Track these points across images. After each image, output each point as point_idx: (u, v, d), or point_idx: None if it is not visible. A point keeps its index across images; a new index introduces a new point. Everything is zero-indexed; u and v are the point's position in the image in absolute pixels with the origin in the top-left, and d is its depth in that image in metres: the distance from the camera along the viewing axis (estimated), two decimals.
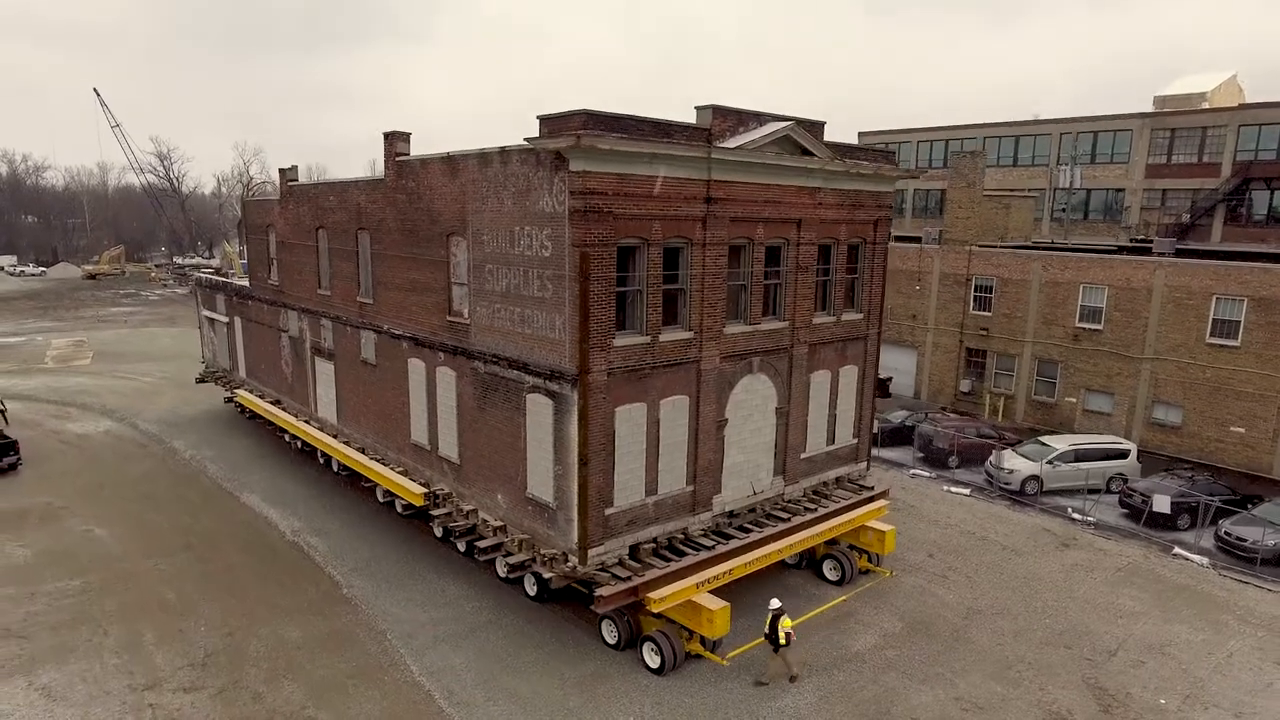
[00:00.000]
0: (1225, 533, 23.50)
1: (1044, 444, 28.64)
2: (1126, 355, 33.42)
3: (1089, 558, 23.67)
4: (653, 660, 17.65)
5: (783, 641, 16.87)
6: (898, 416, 33.74)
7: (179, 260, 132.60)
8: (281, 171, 28.64)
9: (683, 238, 17.95)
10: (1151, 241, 47.52)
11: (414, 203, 21.24)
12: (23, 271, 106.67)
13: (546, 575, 18.05)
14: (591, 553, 17.43)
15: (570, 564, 17.62)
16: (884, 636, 19.52)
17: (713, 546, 19.21)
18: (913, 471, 30.39)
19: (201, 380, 38.77)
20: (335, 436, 27.13)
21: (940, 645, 19.21)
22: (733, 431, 20.10)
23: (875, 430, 26.77)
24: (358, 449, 25.83)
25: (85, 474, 30.48)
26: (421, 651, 18.59)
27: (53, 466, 31.28)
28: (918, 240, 52.94)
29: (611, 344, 16.97)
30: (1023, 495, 27.49)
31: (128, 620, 19.92)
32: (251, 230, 31.64)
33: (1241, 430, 30.42)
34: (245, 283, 33.80)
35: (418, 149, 21.88)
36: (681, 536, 19.35)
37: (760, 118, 18.92)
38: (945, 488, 28.90)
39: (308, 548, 24.16)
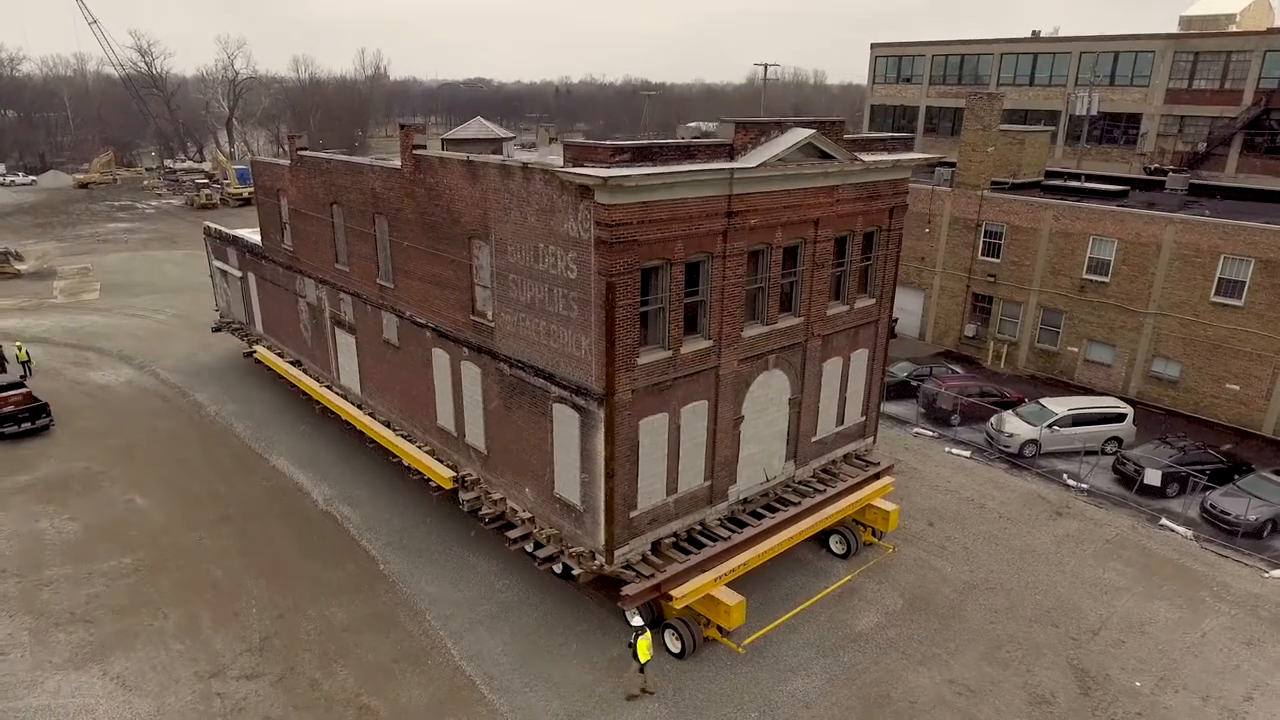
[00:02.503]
0: (1210, 505, 24.81)
1: (1043, 407, 29.60)
2: (1130, 309, 33.92)
3: (1080, 528, 25.08)
4: (674, 645, 19.22)
5: (645, 658, 17.52)
6: (902, 370, 34.56)
7: (169, 164, 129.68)
8: (291, 138, 28.23)
9: (704, 252, 18.22)
10: (1166, 174, 47.06)
11: (433, 199, 21.26)
12: (13, 181, 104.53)
13: (575, 571, 19.35)
14: (617, 553, 18.66)
15: (597, 562, 18.88)
16: (885, 615, 21.08)
17: (729, 536, 20.45)
18: (916, 430, 31.52)
19: (217, 329, 39.29)
20: (360, 407, 27.99)
21: (937, 623, 20.79)
22: (748, 426, 20.97)
23: (883, 384, 27.31)
24: (383, 421, 26.75)
25: (115, 433, 31.54)
26: (460, 634, 20.14)
27: (82, 424, 32.31)
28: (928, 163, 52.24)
29: (636, 363, 17.57)
30: (1021, 458, 28.70)
31: (183, 601, 21.41)
32: (262, 191, 31.37)
33: (1236, 388, 31.35)
34: (254, 238, 33.74)
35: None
36: (699, 527, 20.57)
37: (781, 126, 18.77)
38: (947, 449, 30.09)
39: (341, 518, 25.49)
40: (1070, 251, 35.38)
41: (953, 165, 41.74)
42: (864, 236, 22.57)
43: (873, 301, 23.52)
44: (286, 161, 28.79)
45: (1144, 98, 51.33)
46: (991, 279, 38.47)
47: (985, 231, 38.30)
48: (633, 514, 18.76)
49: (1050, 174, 47.13)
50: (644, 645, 17.51)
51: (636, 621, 17.63)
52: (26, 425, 30.69)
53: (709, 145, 17.45)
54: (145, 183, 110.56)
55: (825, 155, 19.54)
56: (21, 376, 34.76)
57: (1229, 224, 30.84)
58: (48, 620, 20.55)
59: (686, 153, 17.00)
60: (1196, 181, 43.42)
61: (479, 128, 27.93)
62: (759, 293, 20.19)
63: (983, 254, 38.63)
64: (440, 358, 22.92)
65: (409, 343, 24.23)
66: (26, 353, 37.49)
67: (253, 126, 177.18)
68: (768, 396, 21.25)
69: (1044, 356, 37.18)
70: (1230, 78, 47.43)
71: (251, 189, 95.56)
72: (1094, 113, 48.49)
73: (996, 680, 18.81)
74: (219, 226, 37.47)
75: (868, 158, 20.73)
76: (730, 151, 17.83)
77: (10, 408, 30.61)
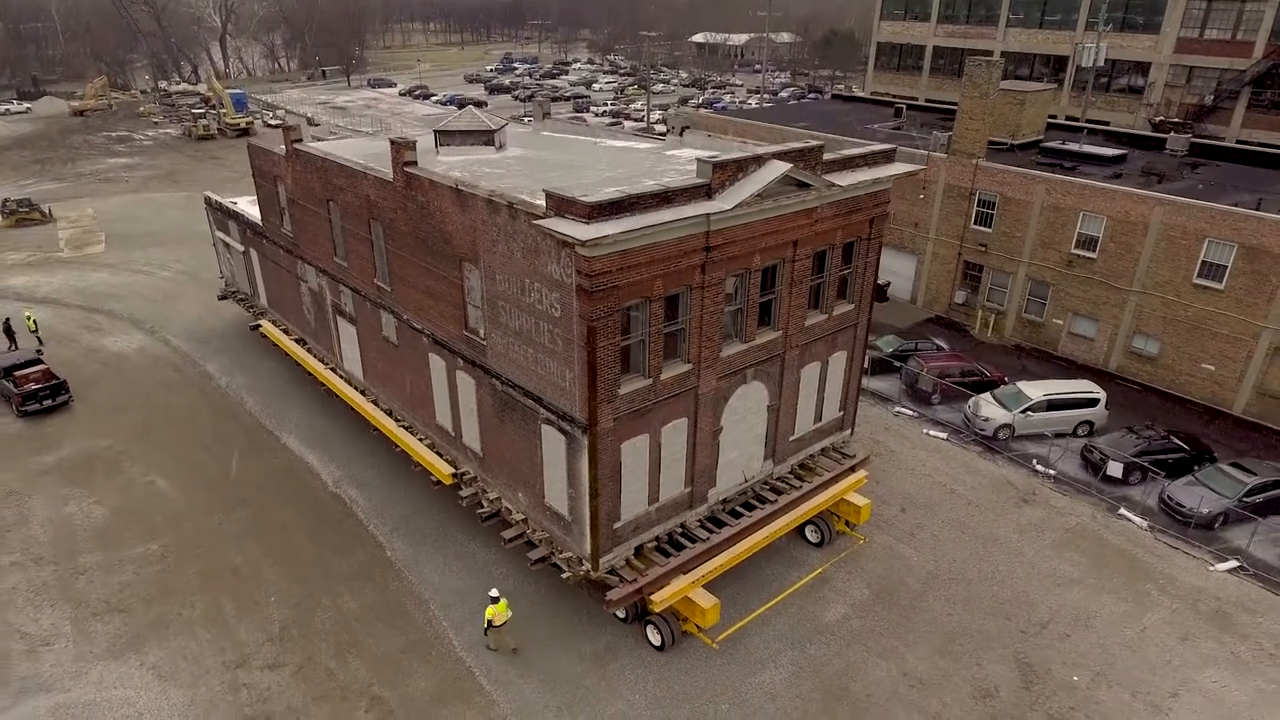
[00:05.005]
0: (1167, 496, 26.22)
1: (1020, 391, 30.68)
2: (1115, 286, 34.52)
3: (1042, 516, 26.59)
4: (655, 639, 21.11)
5: (497, 623, 20.34)
6: (887, 344, 35.50)
7: (164, 86, 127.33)
8: (286, 130, 28.47)
9: (683, 285, 19.03)
10: (1170, 129, 46.60)
11: (425, 217, 21.93)
12: (8, 110, 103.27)
13: (565, 575, 21.03)
14: (602, 560, 20.28)
15: (584, 568, 20.55)
16: (852, 606, 22.86)
17: (707, 537, 22.01)
18: (897, 409, 32.74)
19: (223, 298, 40.22)
20: (363, 393, 29.28)
21: (899, 615, 22.58)
22: (727, 434, 22.22)
23: (865, 365, 28.12)
24: (385, 409, 28.11)
25: (132, 408, 33.03)
26: (461, 625, 22.05)
27: (100, 398, 33.78)
28: (938, 108, 51.75)
29: (617, 394, 18.69)
30: (995, 441, 30.02)
31: (207, 590, 23.33)
32: (259, 174, 31.73)
33: (1211, 368, 32.32)
34: (256, 213, 34.24)
35: None
36: (680, 529, 22.13)
37: (760, 160, 19.23)
38: (925, 430, 31.38)
39: (350, 501, 27.22)
40: (1060, 225, 35.70)
41: (953, 111, 40.87)
42: (844, 247, 23.21)
43: (852, 307, 24.34)
44: (282, 149, 29.11)
45: (1154, 45, 50.07)
46: (983, 248, 38.90)
47: (979, 200, 38.48)
48: (616, 525, 20.28)
49: (1052, 127, 46.77)
50: (489, 612, 20.22)
51: (493, 593, 20.38)
52: (47, 403, 32.19)
53: (686, 188, 18.02)
54: (141, 109, 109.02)
55: (803, 184, 20.04)
56: (38, 351, 35.98)
57: (1215, 208, 31.11)
58: (86, 610, 22.51)
59: (665, 199, 17.61)
60: (1199, 140, 43.07)
61: (470, 119, 28.04)
62: (737, 313, 21.08)
63: (975, 223, 38.92)
64: (437, 363, 24.05)
65: (407, 343, 25.31)
66: (35, 323, 38.57)
67: (246, 41, 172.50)
68: (746, 406, 22.41)
69: (1030, 327, 38.01)
70: (1243, 28, 46.18)
71: (249, 119, 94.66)
72: (1100, 64, 47.46)
73: (947, 674, 20.68)
74: (219, 198, 37.84)
75: (847, 179, 21.16)
76: (708, 191, 18.42)
77: (31, 385, 32.04)
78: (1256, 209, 30.92)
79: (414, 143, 22.26)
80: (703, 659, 20.93)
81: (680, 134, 28.67)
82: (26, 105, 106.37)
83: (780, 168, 19.10)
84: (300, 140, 28.20)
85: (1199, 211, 31.44)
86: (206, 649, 21.30)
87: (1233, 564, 24.08)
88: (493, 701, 19.77)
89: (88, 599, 22.93)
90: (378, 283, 25.68)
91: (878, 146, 22.86)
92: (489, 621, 20.34)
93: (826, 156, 21.16)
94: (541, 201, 17.86)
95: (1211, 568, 24.16)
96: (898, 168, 22.87)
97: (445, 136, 27.78)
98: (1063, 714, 19.48)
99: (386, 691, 20.08)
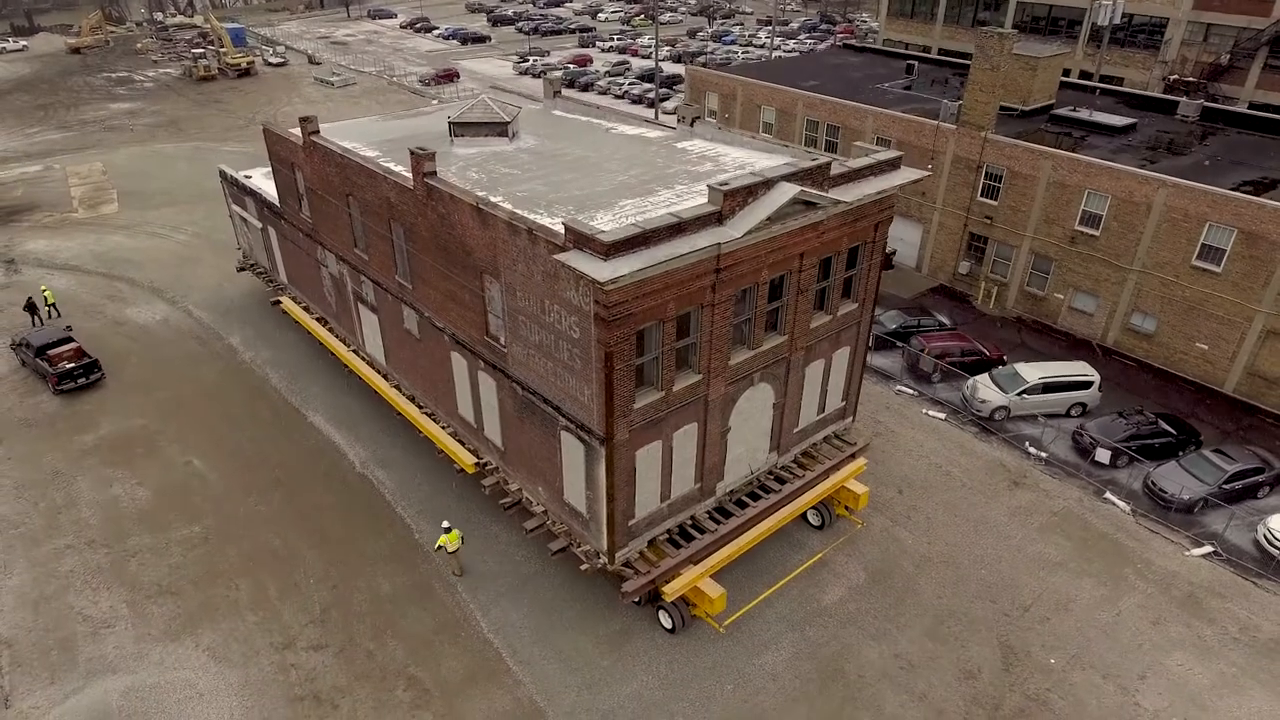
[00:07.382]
0: (1151, 481, 27.62)
1: (1017, 373, 31.75)
2: (1116, 264, 35.18)
3: (1032, 499, 28.07)
4: (667, 622, 22.91)
5: (450, 549, 24.15)
6: (891, 320, 36.42)
7: (160, 18, 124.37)
8: (302, 120, 28.81)
9: (694, 304, 20.00)
10: (1185, 90, 46.24)
11: (447, 227, 22.71)
12: (3, 49, 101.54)
13: (583, 566, 22.68)
14: (617, 555, 21.88)
15: (601, 561, 22.18)
16: (849, 589, 24.59)
17: (715, 529, 23.56)
18: (898, 388, 33.91)
19: (241, 270, 41.04)
20: (385, 377, 30.53)
21: (893, 598, 24.32)
22: (735, 433, 23.52)
23: (870, 343, 29.06)
24: (408, 396, 29.41)
25: (162, 385, 34.38)
26: (487, 607, 23.87)
27: (131, 375, 35.09)
28: (951, 63, 51.22)
29: (632, 408, 19.91)
30: (991, 422, 31.29)
31: (250, 571, 25.12)
32: (276, 160, 32.18)
33: (1205, 348, 33.29)
34: (270, 188, 34.77)
35: None
36: (690, 522, 23.67)
37: (769, 183, 19.89)
38: (924, 410, 32.62)
39: (377, 483, 28.79)
40: (1065, 202, 36.10)
41: (966, 66, 40.50)
42: (849, 252, 23.97)
43: (856, 305, 25.25)
44: (299, 137, 29.53)
45: (1172, 1, 49.05)
46: (988, 220, 39.33)
47: (986, 173, 38.72)
48: (630, 523, 21.79)
49: (1065, 86, 46.42)
50: (441, 539, 23.93)
51: (445, 525, 24.05)
52: (81, 381, 33.54)
53: (698, 217, 18.77)
54: (139, 45, 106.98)
55: (811, 204, 20.73)
56: (66, 328, 37.08)
57: (1218, 193, 31.51)
58: (140, 593, 24.34)
59: (678, 229, 18.39)
60: (1210, 105, 42.85)
61: (484, 110, 28.41)
62: (745, 323, 22.06)
63: (982, 195, 39.25)
64: (459, 361, 25.19)
65: (429, 338, 26.40)
66: (51, 298, 39.26)
67: None
68: (753, 406, 23.63)
69: (1032, 300, 38.80)
70: None
71: (249, 57, 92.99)
72: (1116, 20, 46.63)
73: (935, 655, 22.50)
74: (234, 173, 38.26)
75: (853, 193, 21.77)
76: (719, 217, 19.17)
77: (65, 364, 33.34)
78: (1260, 189, 31.30)
79: (433, 154, 22.81)
80: (710, 641, 22.76)
81: (691, 124, 28.98)
82: (23, 43, 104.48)
83: (789, 191, 19.78)
84: (317, 132, 28.63)
85: (1201, 195, 31.85)
86: (254, 630, 23.19)
87: (1208, 549, 25.63)
88: (519, 682, 21.68)
89: (140, 581, 24.75)
90: (399, 279, 26.59)
91: (884, 155, 23.34)
92: (441, 546, 23.93)
93: (833, 170, 21.75)
94: (560, 229, 18.69)
95: (1187, 553, 25.73)
96: (903, 176, 23.42)
97: (460, 128, 28.29)
98: (1039, 695, 21.35)
99: (422, 672, 22.00)
